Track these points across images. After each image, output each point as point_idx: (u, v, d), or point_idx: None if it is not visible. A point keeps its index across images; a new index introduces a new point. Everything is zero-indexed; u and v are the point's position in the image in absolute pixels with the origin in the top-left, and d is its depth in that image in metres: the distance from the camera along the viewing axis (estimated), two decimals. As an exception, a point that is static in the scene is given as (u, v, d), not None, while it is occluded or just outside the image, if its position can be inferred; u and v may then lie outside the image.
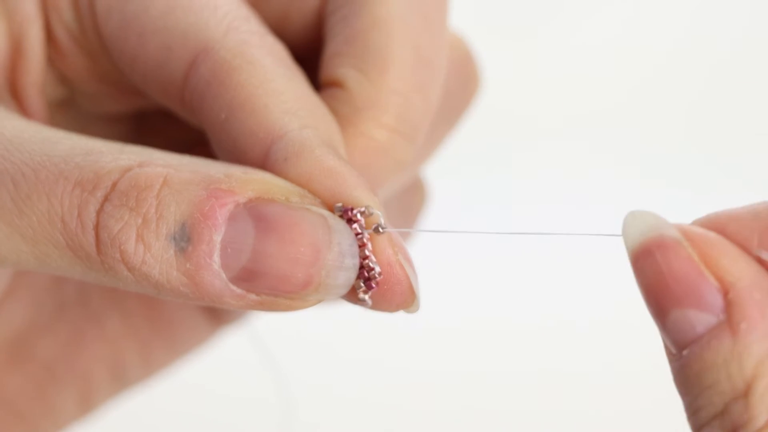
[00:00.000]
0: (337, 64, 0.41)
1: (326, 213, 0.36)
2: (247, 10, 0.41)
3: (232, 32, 0.39)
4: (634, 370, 0.88)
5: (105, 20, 0.42)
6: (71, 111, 0.46)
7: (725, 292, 0.33)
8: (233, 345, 0.61)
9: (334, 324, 0.79)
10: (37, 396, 0.49)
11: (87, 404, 0.50)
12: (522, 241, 0.98)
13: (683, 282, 0.33)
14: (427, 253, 0.52)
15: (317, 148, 0.37)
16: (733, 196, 0.37)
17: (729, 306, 0.33)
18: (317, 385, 0.86)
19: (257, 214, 0.35)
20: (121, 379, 0.51)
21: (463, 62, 0.47)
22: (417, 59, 0.41)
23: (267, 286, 0.35)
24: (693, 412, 0.34)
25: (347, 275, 0.36)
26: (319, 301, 0.36)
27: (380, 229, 0.36)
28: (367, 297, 0.36)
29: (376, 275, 0.36)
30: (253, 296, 0.35)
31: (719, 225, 0.34)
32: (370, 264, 0.36)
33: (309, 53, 0.44)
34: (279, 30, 0.43)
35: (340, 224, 0.36)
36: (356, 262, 0.36)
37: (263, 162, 0.37)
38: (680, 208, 0.52)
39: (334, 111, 0.40)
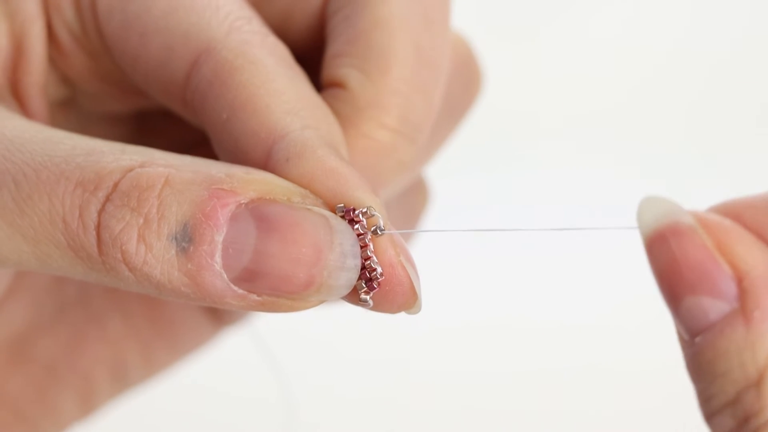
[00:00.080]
0: (338, 64, 0.41)
1: (328, 213, 0.36)
2: (250, 11, 0.41)
3: (234, 32, 0.39)
4: (639, 370, 0.88)
5: (106, 20, 0.42)
6: (72, 111, 0.46)
7: (739, 280, 0.33)
8: (235, 345, 0.61)
9: (335, 324, 0.79)
10: (37, 397, 0.49)
11: (88, 405, 0.50)
12: (522, 241, 0.98)
13: (697, 269, 0.33)
14: (428, 253, 0.52)
15: (319, 149, 0.37)
16: (734, 196, 0.37)
17: (743, 294, 0.33)
18: (319, 385, 0.86)
19: (259, 215, 0.35)
20: (123, 380, 0.51)
21: (465, 62, 0.47)
22: (419, 60, 0.41)
23: (268, 286, 0.35)
24: (705, 399, 0.34)
25: (349, 276, 0.36)
26: (320, 302, 0.36)
27: (378, 231, 0.36)
28: (368, 298, 0.36)
29: (378, 276, 0.36)
30: (254, 297, 0.35)
31: (735, 212, 0.34)
32: (372, 265, 0.36)
33: (311, 54, 0.44)
34: (281, 30, 0.43)
35: (342, 225, 0.36)
36: (358, 262, 0.36)
37: (265, 162, 0.37)
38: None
39: (336, 111, 0.40)
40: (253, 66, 0.38)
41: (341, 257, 0.35)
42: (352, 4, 0.42)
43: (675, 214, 0.34)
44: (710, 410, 0.34)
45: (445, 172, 0.60)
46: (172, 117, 0.44)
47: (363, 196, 0.36)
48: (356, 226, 0.36)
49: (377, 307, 0.37)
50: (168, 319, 0.51)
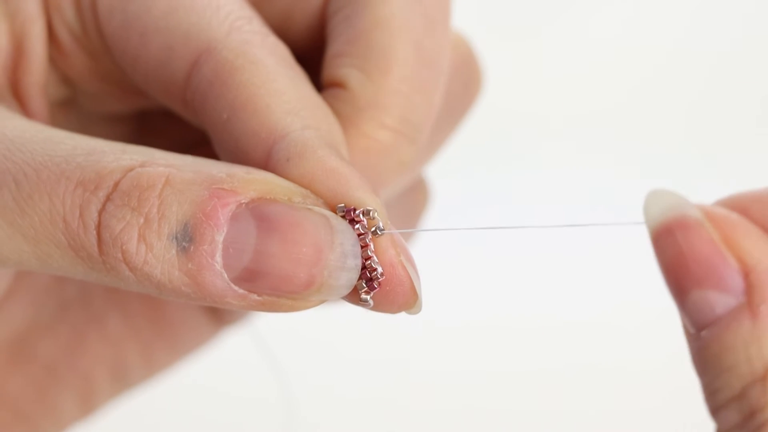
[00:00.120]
0: (339, 64, 0.41)
1: (329, 213, 0.36)
2: (250, 11, 0.41)
3: (235, 32, 0.39)
4: (639, 369, 0.88)
5: (107, 20, 0.42)
6: (73, 111, 0.46)
7: (746, 274, 0.33)
8: (235, 345, 0.61)
9: (335, 324, 0.79)
10: (38, 397, 0.49)
11: (88, 405, 0.50)
12: (523, 241, 0.98)
13: (703, 263, 0.33)
14: (428, 253, 0.52)
15: (319, 149, 0.37)
16: (736, 195, 0.37)
17: (749, 288, 0.33)
18: (319, 385, 0.86)
19: (259, 214, 0.35)
20: (123, 380, 0.51)
21: (465, 62, 0.47)
22: (419, 59, 0.41)
23: (269, 286, 0.35)
24: (710, 393, 0.34)
25: (349, 276, 0.36)
26: (321, 302, 0.36)
27: (378, 232, 0.36)
28: (369, 298, 0.36)
29: (379, 276, 0.36)
30: (254, 296, 0.35)
31: (742, 206, 0.34)
32: (373, 265, 0.36)
33: (311, 54, 0.44)
34: (281, 30, 0.43)
35: (343, 225, 0.36)
36: (358, 262, 0.36)
37: (265, 162, 0.37)
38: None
39: (336, 111, 0.40)
40: (253, 66, 0.38)
41: (342, 257, 0.35)
42: (353, 4, 0.42)
43: (682, 207, 0.34)
44: (715, 404, 0.34)
45: (445, 172, 0.60)
46: (173, 117, 0.44)
47: (363, 196, 0.36)
48: (357, 226, 0.36)
49: (377, 307, 0.37)
50: (168, 319, 0.51)
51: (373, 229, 0.36)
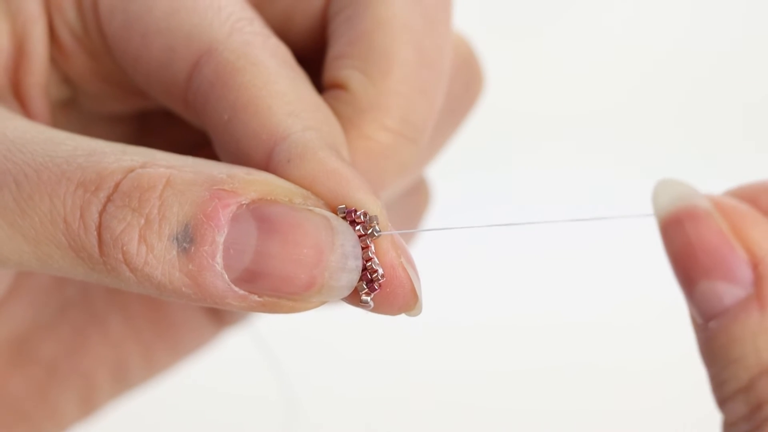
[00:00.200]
0: (340, 65, 0.41)
1: (329, 215, 0.36)
2: (251, 12, 0.41)
3: (236, 33, 0.39)
4: (641, 369, 0.88)
5: (108, 20, 0.42)
6: (74, 111, 0.46)
7: (755, 265, 0.33)
8: (236, 346, 0.61)
9: (336, 325, 0.79)
10: (38, 397, 0.49)
11: (89, 405, 0.50)
12: (523, 241, 0.98)
13: (712, 254, 0.33)
14: (429, 253, 0.52)
15: (320, 150, 0.37)
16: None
17: (758, 279, 0.33)
18: (319, 385, 0.86)
19: (260, 215, 0.35)
20: (124, 381, 0.51)
21: (466, 63, 0.47)
22: (420, 61, 0.41)
23: (269, 287, 0.35)
24: (717, 384, 0.34)
25: (350, 277, 0.36)
26: (321, 303, 0.36)
27: (375, 233, 0.36)
28: (369, 299, 0.36)
29: (379, 277, 0.36)
30: (255, 297, 0.35)
31: (752, 196, 0.34)
32: (373, 266, 0.36)
33: (312, 55, 0.44)
34: (282, 32, 0.43)
35: (343, 226, 0.36)
36: (359, 264, 0.36)
37: (266, 163, 0.37)
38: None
39: (337, 113, 0.40)
40: (254, 67, 0.38)
41: (342, 258, 0.35)
42: (354, 6, 0.42)
43: (690, 197, 0.34)
44: (723, 396, 0.33)
45: (446, 173, 0.60)
46: (174, 118, 0.44)
47: (364, 198, 0.36)
48: (357, 228, 0.36)
49: (378, 309, 0.37)
50: (169, 319, 0.51)
51: (369, 230, 0.36)
